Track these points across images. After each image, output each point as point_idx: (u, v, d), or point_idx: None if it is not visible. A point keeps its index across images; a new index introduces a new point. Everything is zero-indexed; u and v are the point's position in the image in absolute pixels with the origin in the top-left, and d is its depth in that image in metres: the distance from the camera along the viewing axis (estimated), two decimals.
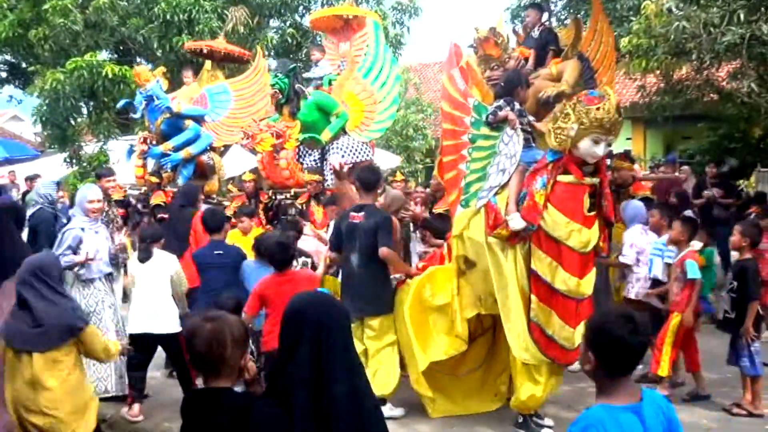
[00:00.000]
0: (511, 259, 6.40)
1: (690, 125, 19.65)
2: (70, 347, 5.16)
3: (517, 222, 6.24)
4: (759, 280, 7.18)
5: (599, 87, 7.40)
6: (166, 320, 7.03)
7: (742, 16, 10.19)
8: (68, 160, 18.34)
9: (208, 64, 12.80)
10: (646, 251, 8.07)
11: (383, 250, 6.76)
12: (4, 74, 27.42)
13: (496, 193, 6.54)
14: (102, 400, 7.29)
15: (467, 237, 6.72)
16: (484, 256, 6.56)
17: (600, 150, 6.05)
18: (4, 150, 16.70)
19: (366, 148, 10.08)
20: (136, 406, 7.10)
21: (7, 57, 23.92)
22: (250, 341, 6.23)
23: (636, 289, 8.08)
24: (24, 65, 22.65)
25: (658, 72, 13.75)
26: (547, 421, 6.58)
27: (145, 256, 7.20)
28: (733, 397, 7.24)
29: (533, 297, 6.23)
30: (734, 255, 8.15)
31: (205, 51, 13.12)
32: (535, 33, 8.25)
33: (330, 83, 10.73)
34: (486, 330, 7.12)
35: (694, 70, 13.69)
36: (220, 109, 11.77)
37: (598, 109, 5.87)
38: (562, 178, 6.17)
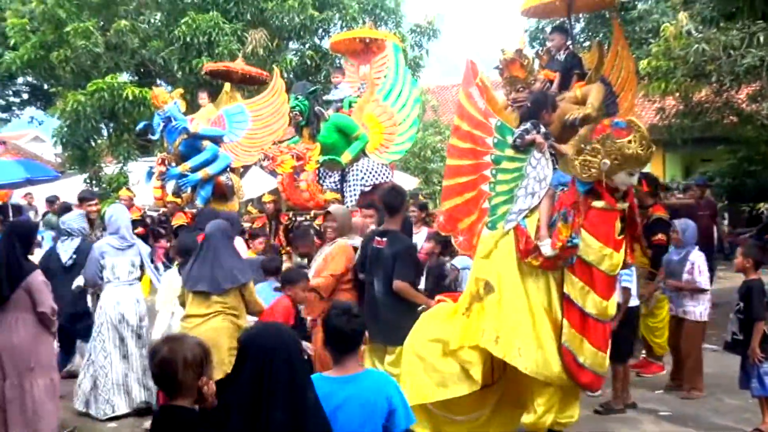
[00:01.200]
0: (543, 282, 6.32)
1: (709, 148, 19.59)
2: (236, 296, 6.40)
3: (548, 248, 6.21)
4: (765, 300, 7.11)
5: (621, 112, 7.38)
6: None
7: (762, 39, 10.19)
8: (88, 181, 18.48)
9: (227, 85, 12.87)
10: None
11: (396, 284, 6.66)
12: (25, 96, 27.77)
13: (525, 216, 6.50)
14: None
15: (493, 259, 6.64)
16: (508, 280, 6.45)
17: (634, 180, 6.14)
18: (25, 171, 16.81)
19: (386, 170, 10.08)
20: None
21: (29, 79, 24.22)
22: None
23: (708, 310, 8.20)
24: (45, 87, 22.92)
25: (677, 94, 13.76)
26: None
27: None
28: (754, 423, 7.14)
29: (565, 322, 6.14)
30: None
31: (222, 72, 13.18)
32: (560, 56, 8.22)
33: (350, 105, 10.77)
34: (496, 380, 6.68)
35: (714, 92, 13.68)
36: (238, 130, 11.78)
37: (629, 142, 5.83)
38: (596, 204, 6.13)
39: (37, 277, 6.48)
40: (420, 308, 6.86)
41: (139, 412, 7.65)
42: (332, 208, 7.68)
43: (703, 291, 8.13)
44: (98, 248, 7.83)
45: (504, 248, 6.52)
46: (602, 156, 5.90)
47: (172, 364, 3.21)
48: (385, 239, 6.85)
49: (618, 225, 6.12)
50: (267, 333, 3.40)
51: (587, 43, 16.42)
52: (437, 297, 6.94)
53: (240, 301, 6.50)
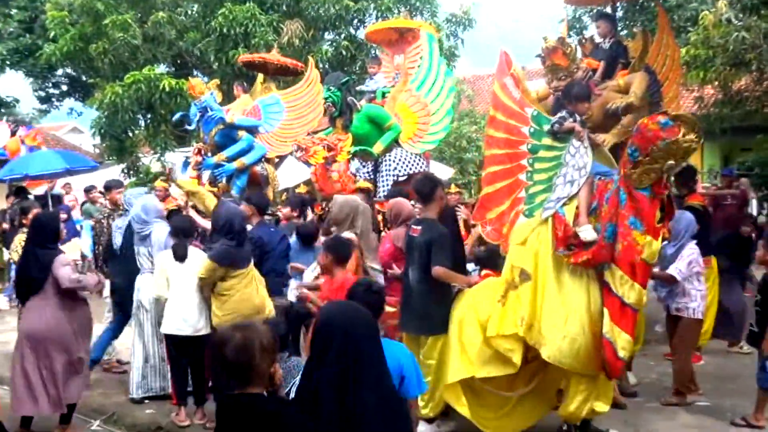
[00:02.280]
0: (582, 272, 6.32)
1: (749, 137, 19.25)
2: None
3: (588, 233, 6.20)
4: None
5: (665, 102, 7.34)
6: (197, 322, 7.15)
7: None
8: (126, 171, 18.69)
9: (260, 76, 12.91)
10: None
11: (436, 270, 6.58)
12: (65, 87, 28.13)
13: (563, 204, 6.49)
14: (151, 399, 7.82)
15: (529, 247, 6.62)
16: (544, 268, 6.47)
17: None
18: (64, 161, 16.95)
19: (419, 160, 10.05)
20: (182, 411, 7.26)
21: (68, 70, 24.51)
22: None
23: (702, 307, 7.88)
24: (84, 78, 23.18)
25: (716, 83, 13.60)
26: None
27: (183, 254, 7.28)
28: None
29: (606, 311, 6.11)
30: None
31: (258, 63, 13.22)
32: (606, 44, 8.16)
33: (383, 96, 10.76)
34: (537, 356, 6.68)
35: (754, 80, 13.50)
36: (273, 121, 11.85)
37: (684, 135, 5.81)
38: (644, 193, 6.12)
39: (59, 258, 6.83)
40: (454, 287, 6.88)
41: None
42: (337, 196, 7.86)
43: (675, 281, 7.75)
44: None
45: (541, 236, 6.55)
46: (666, 159, 5.87)
47: (249, 350, 3.11)
48: (419, 227, 6.83)
49: (658, 213, 6.10)
50: (350, 312, 3.36)
51: (624, 32, 16.25)
52: (483, 272, 6.95)
53: None
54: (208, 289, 7.05)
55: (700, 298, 7.80)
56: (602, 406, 6.41)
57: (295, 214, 9.10)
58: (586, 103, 6.88)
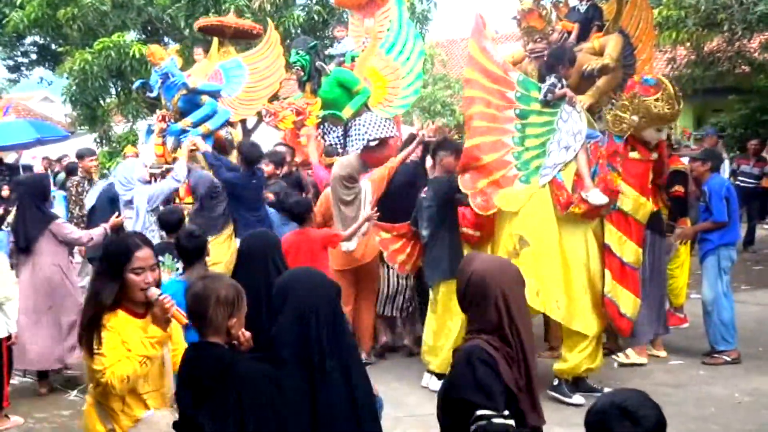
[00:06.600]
0: (581, 235, 6.51)
1: (721, 98, 19.36)
2: None
3: (598, 197, 6.29)
4: None
5: (639, 64, 7.42)
6: None
7: None
8: (98, 140, 18.51)
9: (216, 40, 12.73)
10: None
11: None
12: (34, 56, 27.66)
13: (560, 170, 6.57)
14: None
15: (528, 214, 6.67)
16: (543, 234, 6.56)
17: (663, 135, 6.47)
18: (36, 131, 16.79)
19: (390, 124, 10.00)
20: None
21: (37, 39, 24.11)
22: None
23: None
24: (53, 47, 22.83)
25: (688, 44, 13.63)
26: (577, 398, 6.55)
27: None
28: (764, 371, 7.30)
29: (607, 272, 6.41)
30: None
31: (215, 27, 12.97)
32: (582, 7, 8.17)
33: (353, 60, 10.68)
34: None
35: (726, 41, 13.52)
36: (236, 84, 11.73)
37: (656, 100, 6.00)
38: (631, 155, 6.43)
39: (57, 223, 7.39)
40: None
41: None
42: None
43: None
44: None
45: (538, 202, 6.63)
46: (631, 113, 6.06)
47: (204, 300, 3.23)
48: (426, 188, 7.34)
49: (651, 175, 6.37)
50: (307, 277, 3.36)
51: None
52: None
53: None
54: None
55: None
56: (598, 364, 6.70)
57: (278, 172, 9.13)
58: (564, 69, 6.96)
